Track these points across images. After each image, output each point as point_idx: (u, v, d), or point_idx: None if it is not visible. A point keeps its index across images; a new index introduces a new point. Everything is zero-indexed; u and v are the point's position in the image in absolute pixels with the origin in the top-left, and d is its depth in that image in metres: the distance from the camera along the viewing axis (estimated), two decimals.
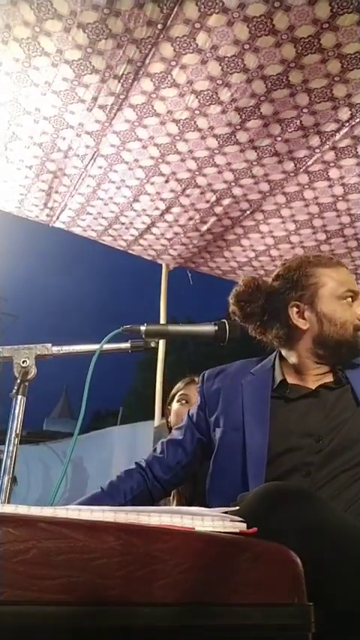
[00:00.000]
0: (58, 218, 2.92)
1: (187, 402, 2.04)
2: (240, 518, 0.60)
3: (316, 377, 1.12)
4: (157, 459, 1.20)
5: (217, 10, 1.63)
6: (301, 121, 2.11)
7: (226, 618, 0.50)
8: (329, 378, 1.11)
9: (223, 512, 0.62)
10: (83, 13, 1.65)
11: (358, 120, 2.08)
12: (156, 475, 1.18)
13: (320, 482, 0.96)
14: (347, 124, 2.10)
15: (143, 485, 1.16)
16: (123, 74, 1.90)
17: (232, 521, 0.60)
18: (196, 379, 2.09)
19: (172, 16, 1.66)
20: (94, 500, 1.12)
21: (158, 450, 1.22)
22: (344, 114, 2.05)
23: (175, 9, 1.64)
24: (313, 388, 1.10)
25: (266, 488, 0.75)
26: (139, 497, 1.15)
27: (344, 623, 0.61)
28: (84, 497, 1.15)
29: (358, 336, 1.10)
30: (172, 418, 2.08)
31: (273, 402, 1.09)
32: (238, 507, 0.65)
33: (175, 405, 2.08)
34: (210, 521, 0.58)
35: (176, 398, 2.08)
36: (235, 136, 2.20)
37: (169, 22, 1.68)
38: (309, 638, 0.51)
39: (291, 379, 1.13)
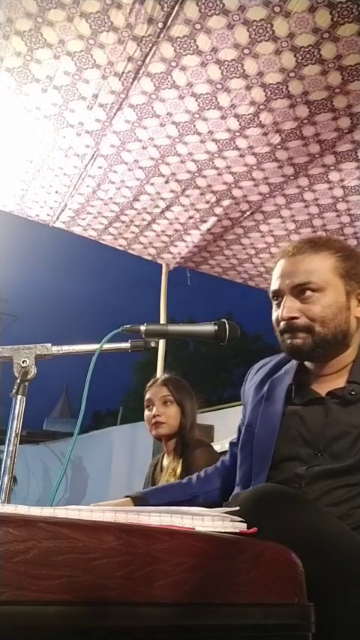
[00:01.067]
0: (58, 218, 2.92)
1: (151, 405, 1.98)
2: (240, 518, 0.60)
3: (324, 380, 1.04)
4: (222, 462, 1.23)
5: (217, 12, 1.63)
6: (301, 131, 2.11)
7: (226, 618, 0.50)
8: (339, 383, 1.01)
9: (223, 513, 0.62)
10: (86, 2, 1.65)
11: (359, 127, 2.08)
12: (223, 478, 1.19)
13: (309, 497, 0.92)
14: (347, 131, 2.11)
15: (218, 484, 1.19)
16: (123, 72, 1.90)
17: (232, 521, 0.60)
18: (162, 379, 2.03)
19: (173, 15, 1.66)
20: (170, 488, 1.18)
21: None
22: (345, 123, 2.05)
23: (176, 8, 1.64)
24: (323, 394, 1.02)
25: (263, 489, 0.75)
26: (210, 494, 1.19)
27: (339, 624, 0.61)
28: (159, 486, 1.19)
29: (284, 339, 1.01)
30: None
31: (286, 405, 1.04)
32: (238, 507, 0.65)
33: (145, 412, 2.02)
34: (210, 521, 0.58)
35: (145, 403, 2.03)
36: (234, 142, 2.20)
37: (169, 21, 1.68)
38: (309, 638, 0.51)
39: (305, 382, 1.06)
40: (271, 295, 1.05)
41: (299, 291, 0.99)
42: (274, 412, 1.03)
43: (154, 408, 1.96)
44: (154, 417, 1.95)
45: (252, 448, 1.03)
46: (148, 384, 2.06)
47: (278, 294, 1.02)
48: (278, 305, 1.02)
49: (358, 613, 0.63)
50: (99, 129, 2.21)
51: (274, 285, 1.03)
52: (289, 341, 1.00)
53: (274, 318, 1.04)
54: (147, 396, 2.02)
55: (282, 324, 1.00)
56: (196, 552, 0.51)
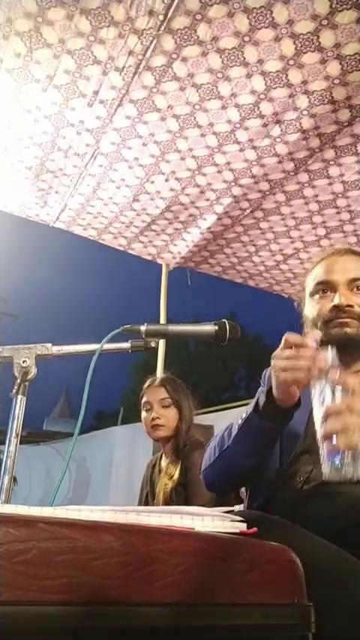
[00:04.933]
0: (58, 218, 2.92)
1: (150, 407, 1.95)
2: (240, 518, 0.60)
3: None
4: None
5: (217, 1, 1.63)
6: (300, 123, 2.10)
7: (226, 618, 0.50)
8: None
9: (223, 512, 0.62)
10: None
11: (358, 120, 2.08)
12: None
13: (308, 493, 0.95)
14: (347, 125, 2.10)
15: None
16: (124, 67, 1.89)
17: (232, 521, 0.60)
18: (159, 381, 2.00)
19: (174, 6, 1.65)
20: None
21: None
22: (344, 116, 2.05)
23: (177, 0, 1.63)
24: None
25: (247, 516, 0.75)
26: None
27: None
28: None
29: (333, 327, 1.03)
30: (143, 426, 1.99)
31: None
32: (238, 507, 0.65)
33: (142, 413, 1.99)
34: (210, 521, 0.58)
35: (142, 405, 2.00)
36: (234, 135, 2.20)
37: (170, 12, 1.68)
38: (309, 638, 0.51)
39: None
40: (315, 287, 1.09)
41: (353, 285, 1.05)
42: (305, 402, 1.03)
43: (153, 411, 1.94)
44: (152, 419, 1.93)
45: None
46: (145, 386, 2.03)
47: (329, 286, 1.07)
48: (322, 297, 1.07)
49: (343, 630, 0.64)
50: (99, 126, 2.20)
51: (325, 277, 1.08)
52: (339, 329, 1.03)
53: (319, 307, 1.07)
54: (145, 398, 1.99)
55: (335, 312, 1.03)
56: (196, 552, 0.51)
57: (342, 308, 1.02)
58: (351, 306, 1.02)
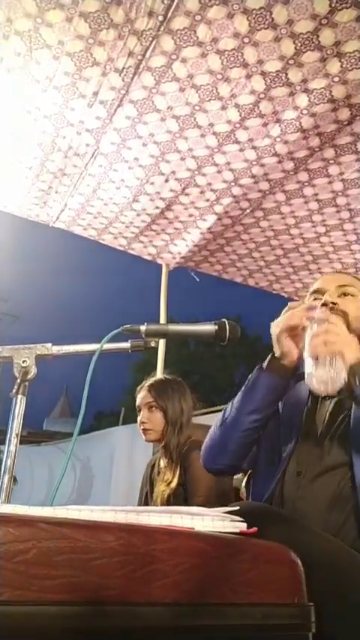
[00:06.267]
0: (58, 218, 2.92)
1: (139, 411, 1.99)
2: (240, 518, 0.60)
3: None
4: None
5: (217, 2, 1.63)
6: (300, 123, 2.10)
7: (226, 618, 0.50)
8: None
9: (224, 512, 0.62)
10: (85, 2, 1.65)
11: (358, 118, 2.08)
12: None
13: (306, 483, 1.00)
14: (347, 123, 2.10)
15: None
16: (124, 67, 1.89)
17: (232, 521, 0.60)
18: (147, 384, 2.03)
19: (173, 7, 1.66)
20: None
21: None
22: (344, 114, 2.05)
23: (176, 0, 1.63)
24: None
25: (248, 510, 0.76)
26: None
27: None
28: None
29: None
30: None
31: (310, 395, 1.15)
32: (238, 507, 0.65)
33: (138, 417, 2.02)
34: (210, 521, 0.58)
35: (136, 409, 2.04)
36: (234, 135, 2.20)
37: (169, 13, 1.68)
38: (309, 638, 0.51)
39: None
40: (310, 297, 1.23)
41: (341, 290, 1.19)
42: (299, 397, 1.16)
43: (141, 415, 1.97)
44: (141, 423, 1.97)
45: (279, 427, 1.13)
46: (137, 389, 2.06)
47: (321, 293, 1.20)
48: (315, 301, 1.18)
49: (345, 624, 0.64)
50: (99, 126, 2.20)
51: (318, 285, 1.23)
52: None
53: (307, 307, 1.16)
54: (136, 401, 2.02)
55: (319, 310, 1.13)
56: (196, 552, 0.51)
57: (327, 304, 1.14)
58: (335, 303, 1.15)
